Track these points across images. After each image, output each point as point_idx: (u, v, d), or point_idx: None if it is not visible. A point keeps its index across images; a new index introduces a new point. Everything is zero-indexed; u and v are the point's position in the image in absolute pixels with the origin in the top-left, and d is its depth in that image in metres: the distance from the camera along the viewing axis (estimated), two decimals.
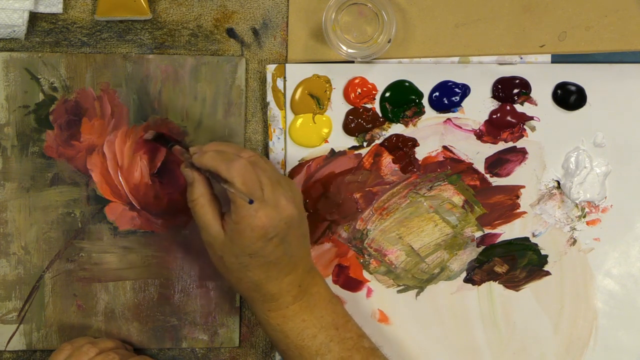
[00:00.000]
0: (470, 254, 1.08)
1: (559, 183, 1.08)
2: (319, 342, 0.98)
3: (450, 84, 1.07)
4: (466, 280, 1.09)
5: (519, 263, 1.08)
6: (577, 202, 1.07)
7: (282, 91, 1.07)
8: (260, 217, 0.92)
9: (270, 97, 1.08)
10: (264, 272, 0.95)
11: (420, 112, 1.08)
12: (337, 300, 1.01)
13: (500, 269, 1.08)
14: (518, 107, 1.07)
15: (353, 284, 1.09)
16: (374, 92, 1.07)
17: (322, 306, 0.99)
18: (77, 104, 1.07)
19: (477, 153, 1.08)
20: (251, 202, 0.91)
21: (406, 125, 1.08)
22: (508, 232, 1.08)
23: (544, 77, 1.07)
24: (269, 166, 0.96)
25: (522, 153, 1.08)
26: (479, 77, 1.07)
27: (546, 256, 1.08)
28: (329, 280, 1.09)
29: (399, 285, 1.09)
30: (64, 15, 1.07)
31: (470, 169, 1.08)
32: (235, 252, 0.94)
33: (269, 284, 0.96)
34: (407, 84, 1.07)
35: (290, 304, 0.97)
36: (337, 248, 1.09)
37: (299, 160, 1.08)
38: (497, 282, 1.08)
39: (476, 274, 1.08)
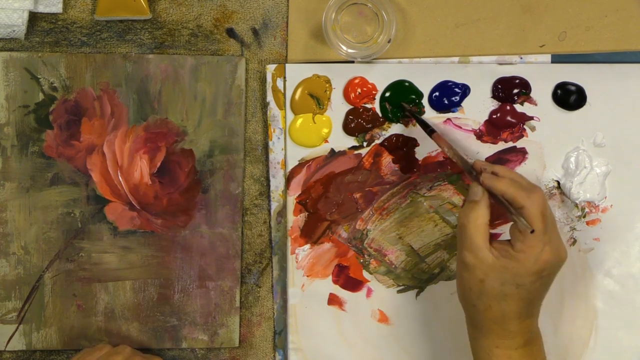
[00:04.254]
0: None
1: (559, 183, 1.08)
2: None
3: (450, 84, 1.07)
4: None
5: None
6: (577, 202, 1.07)
7: (282, 91, 1.07)
8: (547, 252, 0.93)
9: (270, 97, 1.08)
10: (518, 307, 0.94)
11: (420, 112, 1.08)
12: None
13: None
14: (518, 107, 1.07)
15: (353, 284, 1.09)
16: (374, 92, 1.07)
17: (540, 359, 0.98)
18: (77, 103, 1.07)
19: (477, 153, 1.08)
20: (532, 231, 0.92)
21: (406, 125, 1.08)
22: (508, 232, 1.08)
23: (543, 77, 1.07)
24: (550, 208, 0.96)
25: (522, 153, 1.08)
26: (479, 77, 1.07)
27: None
28: (329, 280, 1.09)
29: (399, 285, 1.09)
30: (64, 15, 1.07)
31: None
32: (503, 279, 0.93)
33: (515, 320, 0.94)
34: (407, 84, 1.07)
35: (519, 346, 0.95)
36: (337, 248, 1.09)
37: (299, 160, 1.08)
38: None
39: None
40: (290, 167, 1.08)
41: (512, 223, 0.94)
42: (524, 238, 0.92)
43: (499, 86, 1.07)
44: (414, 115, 1.06)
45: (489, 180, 0.95)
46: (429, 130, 1.03)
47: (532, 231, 0.92)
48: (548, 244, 0.93)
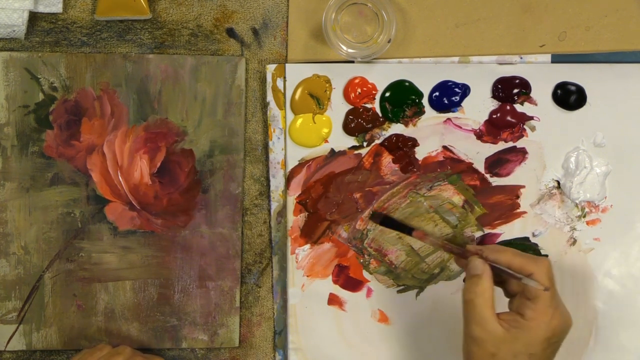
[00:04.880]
0: None
1: (559, 183, 1.08)
2: None
3: (450, 83, 1.07)
4: None
5: None
6: (577, 202, 1.07)
7: (282, 91, 1.07)
8: (557, 317, 0.93)
9: (270, 97, 1.08)
10: None
11: (420, 112, 1.08)
12: None
13: None
14: (518, 107, 1.07)
15: (353, 284, 1.09)
16: (374, 92, 1.07)
17: None
18: (77, 103, 1.07)
19: (477, 153, 1.08)
20: (546, 289, 0.93)
21: (406, 125, 1.08)
22: (508, 232, 1.08)
23: (543, 77, 1.07)
24: None
25: (522, 153, 1.08)
26: (479, 77, 1.07)
27: (546, 256, 1.08)
28: (329, 280, 1.09)
29: (399, 285, 1.09)
30: (64, 15, 1.07)
31: (470, 169, 1.08)
32: (515, 350, 0.93)
33: None
34: (407, 84, 1.07)
35: None
36: (337, 248, 1.09)
37: (299, 160, 1.08)
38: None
39: None
40: (290, 167, 1.08)
41: (515, 299, 0.95)
42: (534, 305, 0.93)
43: (499, 86, 1.07)
44: (389, 221, 1.07)
45: (492, 254, 0.96)
46: (407, 231, 1.05)
47: (547, 289, 0.93)
48: (557, 309, 0.94)
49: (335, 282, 1.09)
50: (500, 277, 0.96)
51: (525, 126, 1.08)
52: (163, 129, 1.07)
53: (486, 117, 1.08)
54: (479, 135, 1.08)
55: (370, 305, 1.09)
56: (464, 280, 0.97)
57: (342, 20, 1.05)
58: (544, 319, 0.93)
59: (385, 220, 1.07)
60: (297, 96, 1.07)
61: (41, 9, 1.06)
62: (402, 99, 1.07)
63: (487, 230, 1.08)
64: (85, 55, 1.07)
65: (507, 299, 0.97)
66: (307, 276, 1.08)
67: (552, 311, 0.93)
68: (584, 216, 1.08)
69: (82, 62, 1.07)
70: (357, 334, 1.09)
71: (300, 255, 1.08)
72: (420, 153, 1.08)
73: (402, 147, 1.08)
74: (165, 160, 1.07)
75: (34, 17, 1.06)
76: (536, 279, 0.94)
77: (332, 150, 1.08)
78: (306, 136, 1.08)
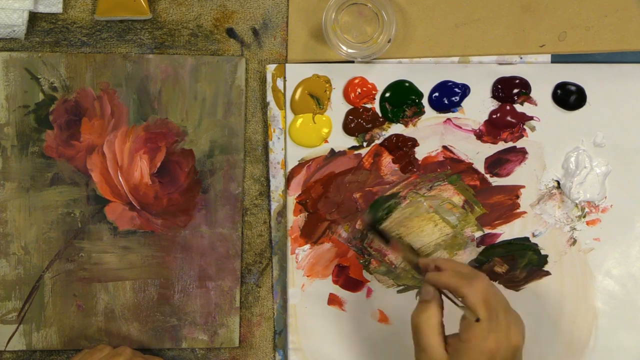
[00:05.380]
0: (470, 254, 1.08)
1: (559, 183, 1.08)
2: None
3: (450, 84, 1.07)
4: None
5: (519, 263, 1.08)
6: (577, 202, 1.07)
7: (282, 91, 1.07)
8: (491, 341, 0.90)
9: (270, 97, 1.08)
10: None
11: (420, 112, 1.08)
12: None
13: (500, 269, 1.08)
14: (518, 107, 1.07)
15: (353, 284, 1.09)
16: (373, 92, 1.07)
17: None
18: (77, 103, 1.07)
19: (477, 153, 1.08)
20: (477, 320, 0.90)
21: (406, 125, 1.08)
22: (508, 232, 1.08)
23: (543, 77, 1.07)
24: (500, 292, 0.94)
25: (522, 153, 1.08)
26: (479, 77, 1.07)
27: (546, 256, 1.08)
28: (329, 280, 1.09)
29: (399, 285, 1.09)
30: (64, 15, 1.07)
31: (470, 169, 1.08)
32: None
33: None
34: (407, 84, 1.07)
35: None
36: (337, 248, 1.09)
37: (299, 160, 1.08)
38: (497, 282, 1.08)
39: None
40: (290, 167, 1.08)
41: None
42: (468, 327, 0.91)
43: (499, 86, 1.07)
44: (373, 228, 1.07)
45: (432, 276, 0.94)
46: (385, 239, 1.05)
47: (477, 320, 0.90)
48: (493, 332, 0.90)
49: (335, 282, 1.09)
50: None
51: (525, 126, 1.08)
52: (163, 129, 1.07)
53: (486, 117, 1.08)
54: (479, 136, 1.08)
55: (370, 305, 1.09)
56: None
57: (342, 20, 1.05)
58: (477, 342, 0.90)
59: (372, 226, 1.07)
60: (297, 96, 1.07)
61: (41, 9, 1.06)
62: (402, 99, 1.07)
63: (487, 230, 1.08)
64: (85, 55, 1.07)
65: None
66: (307, 276, 1.08)
67: (486, 334, 0.90)
68: (584, 216, 1.08)
69: (82, 62, 1.07)
70: (357, 334, 1.09)
71: (300, 255, 1.08)
72: (420, 153, 1.08)
73: (402, 147, 1.08)
74: (165, 160, 1.07)
75: (34, 17, 1.06)
76: (469, 303, 0.91)
77: (332, 150, 1.08)
78: (306, 136, 1.08)
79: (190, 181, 1.08)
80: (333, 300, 1.09)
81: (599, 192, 1.07)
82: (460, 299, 0.92)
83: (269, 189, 1.09)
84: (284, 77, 1.07)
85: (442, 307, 0.94)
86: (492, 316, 0.91)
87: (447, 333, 0.93)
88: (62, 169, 1.07)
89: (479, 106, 1.08)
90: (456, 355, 0.91)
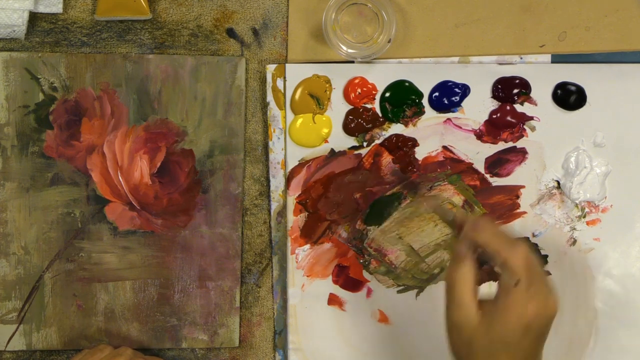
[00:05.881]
0: None
1: (559, 183, 1.08)
2: None
3: (450, 84, 1.07)
4: None
5: None
6: (577, 202, 1.07)
7: (282, 91, 1.07)
8: (531, 308, 0.88)
9: (270, 97, 1.08)
10: None
11: (420, 112, 1.08)
12: None
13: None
14: (518, 107, 1.07)
15: (353, 284, 1.09)
16: (374, 92, 1.07)
17: None
18: (77, 104, 1.07)
19: (477, 153, 1.08)
20: (517, 284, 0.88)
21: (406, 125, 1.08)
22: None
23: (543, 77, 1.07)
24: (539, 260, 0.93)
25: (522, 153, 1.08)
26: (479, 77, 1.07)
27: (546, 256, 1.08)
28: (329, 280, 1.09)
29: (399, 285, 1.09)
30: (64, 15, 1.07)
31: (470, 169, 1.08)
32: (489, 338, 0.89)
33: None
34: (407, 84, 1.07)
35: None
36: (337, 248, 1.09)
37: (299, 160, 1.08)
38: (498, 282, 1.08)
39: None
40: (290, 167, 1.08)
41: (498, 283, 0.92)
42: (507, 293, 0.89)
43: (499, 86, 1.07)
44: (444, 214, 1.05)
45: (471, 232, 0.92)
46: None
47: (517, 283, 0.88)
48: (533, 299, 0.89)
49: (335, 282, 1.09)
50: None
51: (525, 126, 1.08)
52: (163, 129, 1.07)
53: (486, 117, 1.08)
54: (479, 136, 1.08)
55: (370, 305, 1.09)
56: None
57: (342, 20, 1.05)
58: (516, 308, 0.88)
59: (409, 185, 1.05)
60: (297, 96, 1.07)
61: (41, 9, 1.06)
62: (402, 99, 1.07)
63: None
64: (85, 55, 1.07)
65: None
66: (307, 276, 1.08)
67: (527, 301, 0.88)
68: (584, 216, 1.08)
69: (82, 62, 1.07)
70: (357, 334, 1.09)
71: (300, 255, 1.08)
72: (420, 153, 1.08)
73: (402, 147, 1.08)
74: (165, 160, 1.07)
75: (34, 17, 1.06)
76: (510, 268, 0.89)
77: (332, 150, 1.08)
78: (306, 136, 1.08)
79: (190, 181, 1.08)
80: (333, 300, 1.09)
81: (599, 192, 1.07)
82: (499, 262, 0.90)
83: (269, 189, 1.09)
84: (284, 77, 1.07)
85: (476, 266, 0.92)
86: (533, 283, 0.89)
87: None
88: (62, 169, 1.07)
89: (479, 106, 1.08)
90: (491, 320, 0.89)
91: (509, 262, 0.89)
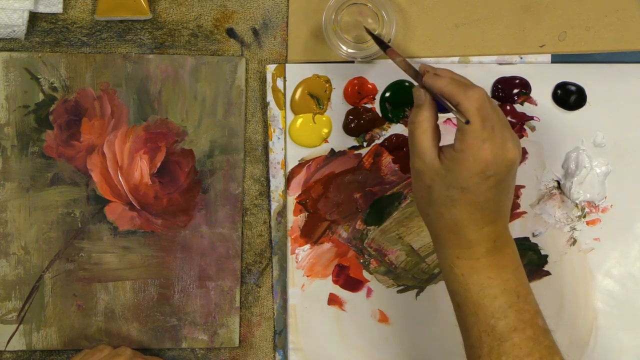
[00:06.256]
0: None
1: (559, 183, 1.08)
2: (497, 304, 0.91)
3: None
4: None
5: None
6: (577, 202, 1.07)
7: (282, 91, 1.07)
8: (486, 150, 0.89)
9: (270, 97, 1.08)
10: (469, 213, 0.90)
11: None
12: (523, 270, 0.94)
13: None
14: (518, 107, 1.07)
15: (353, 284, 1.09)
16: (374, 92, 1.07)
17: (510, 270, 0.92)
18: (77, 104, 1.07)
19: None
20: (467, 122, 0.88)
21: (406, 125, 1.08)
22: None
23: (543, 77, 1.07)
24: (499, 109, 0.92)
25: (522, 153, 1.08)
26: (479, 77, 1.07)
27: (546, 256, 1.08)
28: (329, 280, 1.09)
29: (399, 285, 1.09)
30: (64, 15, 1.07)
31: None
32: (447, 183, 0.90)
33: (468, 228, 0.91)
34: (407, 84, 1.07)
35: (482, 256, 0.91)
36: (337, 248, 1.09)
37: (299, 160, 1.08)
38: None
39: None
40: (290, 167, 1.08)
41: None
42: (462, 137, 0.89)
43: (499, 86, 1.07)
44: (371, 34, 1.03)
45: (429, 79, 0.92)
46: (384, 46, 1.01)
47: (467, 122, 0.88)
48: (488, 141, 0.89)
49: (335, 282, 1.09)
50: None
51: (525, 126, 1.08)
52: (163, 129, 1.07)
53: None
54: None
55: (370, 305, 1.09)
56: None
57: (342, 20, 1.05)
58: (471, 150, 0.89)
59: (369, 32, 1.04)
60: (297, 96, 1.07)
61: (41, 9, 1.06)
62: (402, 99, 1.07)
63: None
64: (85, 55, 1.07)
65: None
66: (307, 276, 1.08)
67: (481, 143, 0.88)
68: (584, 216, 1.08)
69: (82, 62, 1.07)
70: (357, 334, 1.09)
71: (300, 255, 1.08)
72: None
73: (402, 147, 1.08)
74: (165, 161, 1.07)
75: (34, 17, 1.06)
76: (463, 110, 0.90)
77: (332, 150, 1.08)
78: (306, 136, 1.08)
79: (190, 181, 1.08)
80: (333, 300, 1.09)
81: (599, 192, 1.07)
82: (453, 105, 0.91)
83: (269, 189, 1.09)
84: (284, 77, 1.07)
85: (436, 112, 0.92)
86: (487, 126, 0.89)
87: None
88: (62, 169, 1.07)
89: None
90: (449, 165, 0.90)
91: (461, 105, 0.90)
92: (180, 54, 1.07)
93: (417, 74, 0.96)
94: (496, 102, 0.99)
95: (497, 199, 0.91)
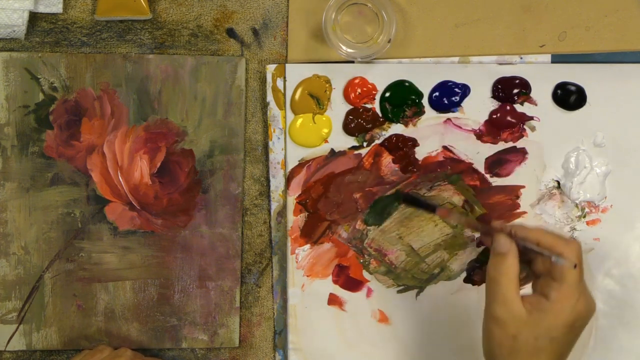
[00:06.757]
0: (470, 254, 1.08)
1: (559, 183, 1.08)
2: None
3: (450, 84, 1.07)
4: (466, 280, 1.09)
5: None
6: (577, 202, 1.07)
7: (282, 91, 1.07)
8: (582, 302, 0.91)
9: (270, 97, 1.08)
10: None
11: (420, 112, 1.08)
12: None
13: None
14: (518, 107, 1.07)
15: (353, 284, 1.09)
16: (374, 92, 1.07)
17: None
18: (77, 104, 1.07)
19: (477, 153, 1.08)
20: (575, 266, 0.90)
21: (406, 125, 1.08)
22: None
23: (543, 77, 1.07)
24: None
25: (522, 153, 1.08)
26: (479, 77, 1.07)
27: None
28: (329, 280, 1.09)
29: (399, 285, 1.09)
30: (64, 15, 1.07)
31: (470, 169, 1.08)
32: (536, 333, 0.90)
33: None
34: (407, 84, 1.07)
35: None
36: (337, 248, 1.09)
37: (299, 160, 1.08)
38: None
39: (476, 274, 1.08)
40: (290, 167, 1.08)
41: (540, 280, 0.93)
42: (559, 287, 0.90)
43: (499, 86, 1.07)
44: (417, 200, 1.05)
45: (521, 231, 0.93)
46: (431, 209, 1.03)
47: (575, 266, 0.90)
48: (583, 294, 0.91)
49: (335, 282, 1.09)
50: (526, 257, 0.94)
51: (525, 126, 1.08)
52: (163, 129, 1.07)
53: (486, 117, 1.08)
54: (479, 136, 1.08)
55: (370, 305, 1.09)
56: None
57: (342, 20, 1.05)
58: (569, 302, 0.90)
59: (407, 198, 1.06)
60: (297, 96, 1.07)
61: (41, 9, 1.06)
62: (402, 99, 1.07)
63: None
64: (85, 55, 1.07)
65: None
66: (307, 276, 1.08)
67: (578, 294, 0.90)
68: (584, 216, 1.08)
69: (82, 62, 1.07)
70: (357, 334, 1.09)
71: (300, 255, 1.08)
72: (420, 153, 1.08)
73: (402, 147, 1.08)
74: (165, 160, 1.07)
75: (34, 17, 1.06)
76: (567, 256, 0.91)
77: (332, 150, 1.08)
78: (306, 136, 1.08)
79: (190, 181, 1.08)
80: (333, 300, 1.09)
81: (599, 192, 1.07)
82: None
83: (269, 189, 1.09)
84: (284, 77, 1.07)
85: (519, 261, 0.93)
86: (582, 279, 0.91)
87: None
88: (62, 169, 1.07)
89: (479, 106, 1.07)
90: (540, 315, 0.90)
91: (565, 254, 0.91)
92: (180, 54, 1.07)
93: (487, 229, 0.96)
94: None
95: (573, 346, 0.93)
